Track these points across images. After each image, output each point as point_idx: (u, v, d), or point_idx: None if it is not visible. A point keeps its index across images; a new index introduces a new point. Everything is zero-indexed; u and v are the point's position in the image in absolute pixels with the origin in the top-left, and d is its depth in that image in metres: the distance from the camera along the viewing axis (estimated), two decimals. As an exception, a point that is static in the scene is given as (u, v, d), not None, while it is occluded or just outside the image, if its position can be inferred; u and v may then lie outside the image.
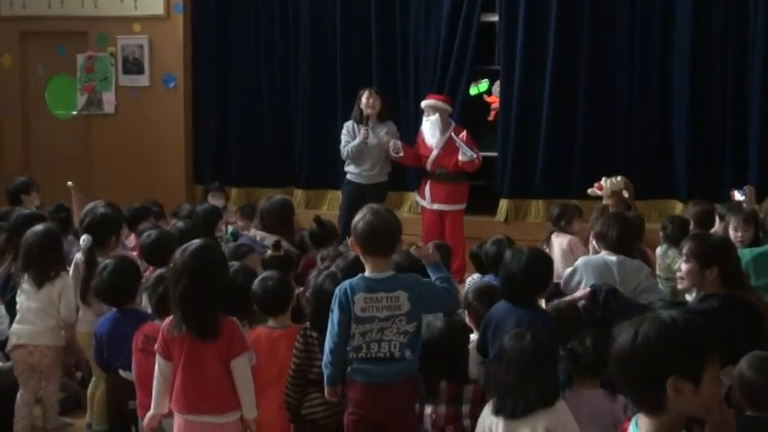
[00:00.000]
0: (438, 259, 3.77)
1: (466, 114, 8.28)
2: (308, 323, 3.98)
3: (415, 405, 3.71)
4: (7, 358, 4.95)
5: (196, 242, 3.61)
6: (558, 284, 4.81)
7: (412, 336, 3.56)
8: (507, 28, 8.18)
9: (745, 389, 3.17)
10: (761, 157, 7.59)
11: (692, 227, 5.88)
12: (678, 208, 7.73)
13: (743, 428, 2.93)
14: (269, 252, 5.02)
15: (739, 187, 6.64)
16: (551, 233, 6.45)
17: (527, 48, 8.09)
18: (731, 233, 5.30)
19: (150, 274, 4.51)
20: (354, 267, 3.82)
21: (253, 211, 6.71)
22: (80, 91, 9.41)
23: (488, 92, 8.59)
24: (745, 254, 5.00)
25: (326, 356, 3.62)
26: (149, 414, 3.66)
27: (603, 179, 6.92)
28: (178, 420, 3.56)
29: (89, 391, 4.79)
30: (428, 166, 7.77)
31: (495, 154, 8.36)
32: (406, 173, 8.35)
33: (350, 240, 3.68)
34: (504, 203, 8.28)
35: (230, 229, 6.33)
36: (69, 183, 6.78)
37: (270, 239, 5.47)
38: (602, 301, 4.31)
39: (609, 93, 8.06)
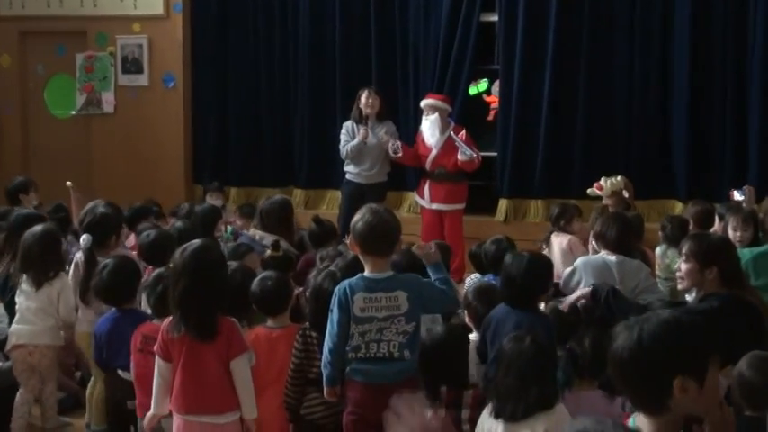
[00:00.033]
0: (439, 259, 3.77)
1: (465, 114, 8.27)
2: (307, 323, 3.98)
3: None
4: (7, 358, 4.95)
5: (195, 242, 3.61)
6: (557, 284, 4.81)
7: (411, 336, 3.56)
8: (507, 27, 8.17)
9: (744, 389, 3.17)
10: (760, 157, 7.59)
11: (691, 227, 5.88)
12: (678, 208, 7.73)
13: (742, 428, 2.93)
14: (268, 252, 5.02)
15: (739, 187, 6.64)
16: (551, 233, 6.45)
17: (526, 47, 8.09)
18: (730, 233, 5.30)
19: (149, 273, 4.51)
20: (354, 267, 3.82)
21: (252, 210, 6.71)
22: (79, 91, 9.40)
23: (488, 92, 8.59)
24: (745, 254, 4.99)
25: (326, 356, 3.62)
26: (149, 414, 3.66)
27: (603, 179, 6.92)
28: (177, 420, 3.56)
29: (87, 390, 4.79)
30: (427, 166, 7.77)
31: (495, 154, 8.36)
32: (405, 173, 8.35)
33: (349, 240, 3.68)
34: (503, 203, 8.28)
35: (229, 228, 6.32)
36: (68, 183, 6.78)
37: (269, 239, 5.46)
38: (602, 300, 4.30)
39: (608, 92, 8.06)
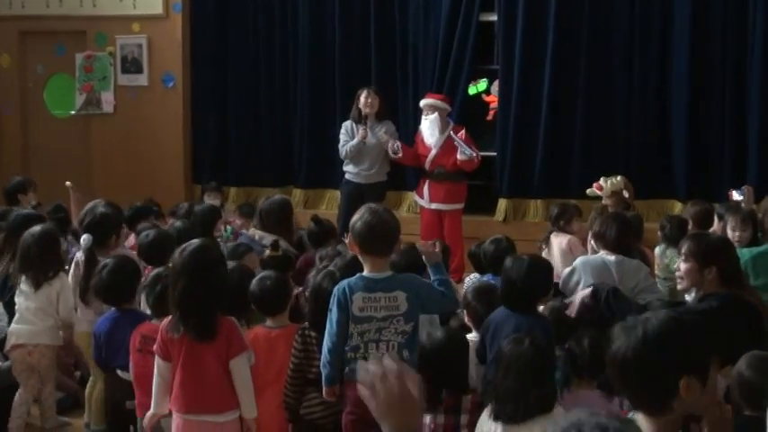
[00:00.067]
0: (440, 260, 3.78)
1: (464, 114, 8.27)
2: (306, 323, 3.98)
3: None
4: (6, 358, 4.95)
5: (195, 242, 3.61)
6: (556, 284, 4.81)
7: (410, 336, 3.56)
8: (506, 27, 8.17)
9: (743, 388, 3.16)
10: (759, 157, 7.59)
11: (690, 227, 5.88)
12: (677, 208, 7.73)
13: (741, 428, 2.93)
14: (267, 252, 5.02)
15: (738, 187, 6.64)
16: (550, 233, 6.45)
17: (526, 47, 8.09)
18: (729, 233, 5.30)
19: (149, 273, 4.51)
20: (353, 267, 3.82)
21: (251, 209, 6.71)
22: (79, 90, 9.40)
23: (487, 91, 8.58)
24: (744, 253, 4.99)
25: (325, 356, 3.62)
26: (149, 414, 3.66)
27: (602, 179, 6.92)
28: (176, 420, 3.56)
29: (87, 390, 4.79)
30: (426, 166, 7.77)
31: (494, 153, 8.36)
32: (404, 172, 8.35)
33: (348, 240, 3.68)
34: (502, 203, 8.28)
35: (229, 228, 6.32)
36: (67, 183, 6.78)
37: (268, 239, 5.46)
38: (603, 300, 4.30)
39: (608, 92, 8.06)
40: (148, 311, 4.14)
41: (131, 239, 5.92)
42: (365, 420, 3.59)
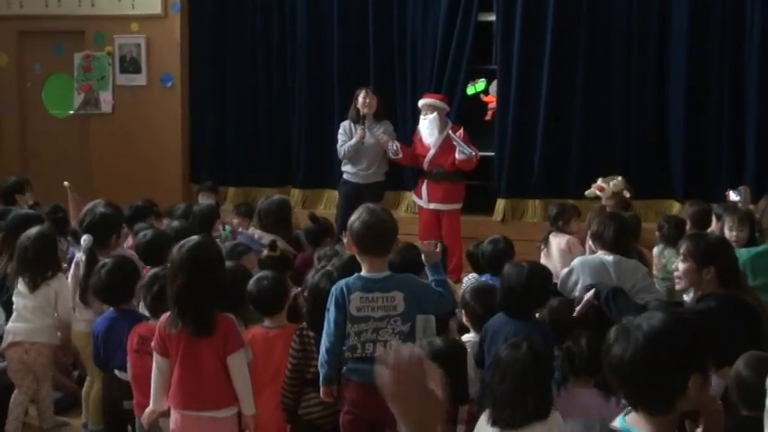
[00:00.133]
0: (438, 260, 3.78)
1: (463, 114, 8.27)
2: (304, 323, 3.98)
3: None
4: (2, 358, 4.94)
5: (193, 239, 3.62)
6: (555, 284, 4.81)
7: (407, 336, 3.56)
8: (504, 27, 8.18)
9: (741, 388, 3.16)
10: (757, 157, 7.61)
11: (688, 227, 5.88)
12: (675, 208, 7.74)
13: (739, 428, 2.93)
14: (265, 252, 5.02)
15: (735, 187, 6.64)
16: (549, 233, 6.44)
17: (524, 47, 8.09)
18: (726, 233, 5.29)
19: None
20: (351, 267, 3.82)
21: (249, 209, 6.70)
22: (77, 90, 9.40)
23: (485, 91, 8.59)
24: (743, 254, 4.99)
25: (322, 356, 3.62)
26: (148, 410, 3.66)
27: (600, 180, 6.92)
28: (175, 416, 3.57)
29: (84, 390, 4.79)
30: (425, 166, 7.77)
31: (492, 154, 8.36)
32: (403, 172, 8.35)
33: (346, 240, 3.68)
34: (501, 203, 8.28)
35: (227, 228, 6.32)
36: (66, 183, 6.76)
37: (267, 238, 5.46)
38: (603, 300, 4.30)
39: (606, 92, 8.06)
40: (147, 312, 4.13)
41: (131, 239, 5.91)
42: (363, 420, 3.60)
